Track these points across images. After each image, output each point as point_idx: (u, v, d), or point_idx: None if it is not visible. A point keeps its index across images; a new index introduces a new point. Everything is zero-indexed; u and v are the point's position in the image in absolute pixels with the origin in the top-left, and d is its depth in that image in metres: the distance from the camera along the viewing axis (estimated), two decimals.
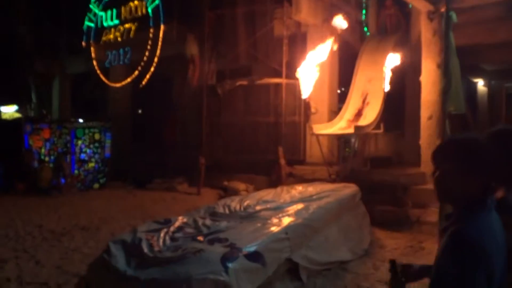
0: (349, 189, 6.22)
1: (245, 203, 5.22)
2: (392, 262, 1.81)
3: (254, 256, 3.64)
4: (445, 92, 4.59)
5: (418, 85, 9.14)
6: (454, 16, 4.99)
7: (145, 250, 3.83)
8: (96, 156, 12.15)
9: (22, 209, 8.63)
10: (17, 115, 18.08)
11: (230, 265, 3.42)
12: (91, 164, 12.08)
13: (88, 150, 12.12)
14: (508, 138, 1.86)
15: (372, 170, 8.57)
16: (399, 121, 10.63)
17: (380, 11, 11.08)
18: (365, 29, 11.71)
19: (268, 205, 5.12)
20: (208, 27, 11.21)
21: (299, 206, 5.04)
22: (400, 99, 10.53)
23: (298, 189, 6.12)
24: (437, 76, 8.24)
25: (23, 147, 11.64)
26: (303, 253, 4.39)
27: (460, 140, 1.56)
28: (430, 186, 7.85)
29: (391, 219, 7.01)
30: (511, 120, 15.90)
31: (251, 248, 3.69)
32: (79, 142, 12.05)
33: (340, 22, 8.23)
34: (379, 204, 7.30)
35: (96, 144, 12.18)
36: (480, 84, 16.49)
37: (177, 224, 4.42)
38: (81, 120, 12.73)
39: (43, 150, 11.87)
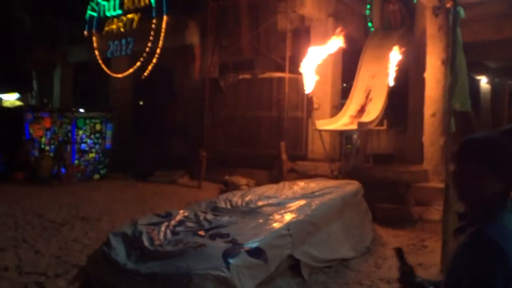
0: (351, 185, 6.18)
1: (247, 198, 5.19)
2: (398, 250, 1.82)
3: (256, 253, 3.61)
4: (451, 89, 4.52)
5: (421, 81, 9.07)
6: (462, 11, 4.90)
7: (146, 243, 3.80)
8: (97, 146, 12.10)
9: (22, 198, 8.58)
10: (19, 103, 18.02)
11: (231, 261, 3.39)
12: (92, 155, 12.03)
13: (88, 141, 12.06)
14: None
15: (374, 166, 8.53)
16: (401, 117, 10.57)
17: (384, 6, 10.98)
18: (369, 24, 11.62)
19: (270, 201, 5.08)
20: (211, 19, 11.11)
21: (301, 202, 5.00)
22: (403, 95, 10.46)
23: (300, 185, 6.08)
24: (441, 72, 8.17)
25: (23, 136, 11.60)
26: (305, 250, 4.36)
27: (483, 139, 1.52)
28: (433, 183, 7.83)
29: (393, 217, 6.98)
30: None
31: (253, 244, 3.66)
32: (80, 132, 12.00)
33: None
34: (381, 202, 7.26)
35: (97, 135, 12.13)
36: (483, 81, 16.41)
37: (178, 217, 4.39)
38: (82, 110, 12.67)
39: (43, 139, 11.82)
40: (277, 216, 4.48)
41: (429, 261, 5.09)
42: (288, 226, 4.24)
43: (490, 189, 1.43)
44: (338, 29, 8.23)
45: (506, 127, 1.60)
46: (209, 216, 4.47)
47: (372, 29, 11.33)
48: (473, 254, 1.33)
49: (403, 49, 8.62)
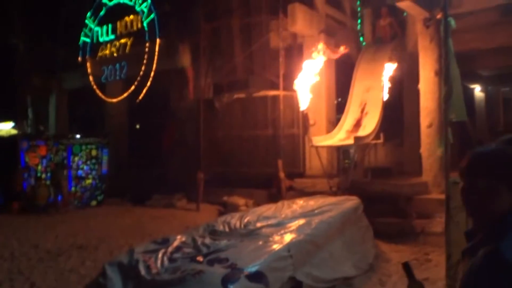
0: (351, 201, 6.10)
1: (246, 220, 5.10)
2: (406, 265, 1.74)
3: (256, 277, 3.51)
4: (447, 100, 4.48)
5: (416, 93, 9.08)
6: (452, 22, 4.90)
7: (142, 272, 3.70)
8: (93, 172, 11.99)
9: (18, 228, 8.45)
10: (14, 131, 17.95)
11: (231, 287, 3.29)
12: (88, 181, 11.92)
13: (85, 167, 11.97)
14: None
15: (373, 181, 8.45)
16: (397, 130, 10.55)
17: (376, 21, 11.07)
18: (361, 38, 11.70)
19: (269, 222, 4.99)
20: (204, 40, 11.15)
21: (301, 221, 4.92)
22: (398, 108, 10.47)
23: (299, 203, 6.00)
24: (435, 83, 8.18)
25: (19, 165, 11.51)
26: (306, 270, 4.26)
27: (491, 152, 1.46)
28: (433, 195, 7.75)
29: (395, 231, 6.88)
30: (509, 125, 15.86)
31: (253, 268, 3.57)
32: (76, 158, 11.91)
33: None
34: (382, 216, 7.17)
35: (93, 161, 12.03)
36: (477, 90, 16.48)
37: (175, 243, 4.29)
38: (78, 136, 12.61)
39: (39, 167, 11.73)
40: (276, 237, 4.39)
41: (434, 276, 4.98)
42: (289, 247, 4.14)
43: (503, 203, 1.36)
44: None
45: (508, 136, 1.54)
46: (207, 241, 4.37)
47: (364, 43, 11.41)
48: (491, 277, 1.25)
49: (396, 62, 8.66)
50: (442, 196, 7.03)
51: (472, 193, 1.42)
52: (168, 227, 8.29)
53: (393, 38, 10.45)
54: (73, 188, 11.64)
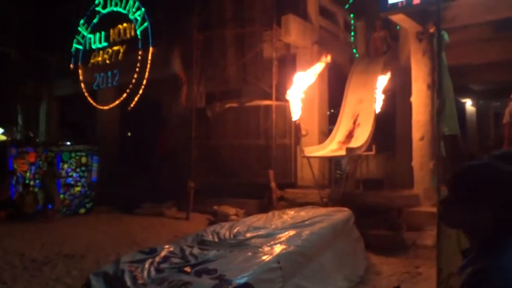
0: (342, 213, 6.04)
1: (235, 230, 5.01)
2: None
3: None
4: (440, 113, 4.48)
5: (408, 106, 9.10)
6: (446, 35, 4.95)
7: (128, 283, 3.60)
8: (83, 180, 11.86)
9: (4, 236, 8.29)
10: (3, 137, 17.75)
11: None
12: (77, 189, 11.78)
13: (74, 174, 11.83)
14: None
15: (365, 192, 8.41)
16: (389, 142, 10.55)
17: (369, 33, 11.15)
18: (354, 50, 11.76)
19: (259, 232, 4.90)
20: (197, 49, 11.13)
21: (291, 232, 4.84)
22: (390, 120, 10.48)
23: (290, 214, 5.93)
24: (427, 96, 8.21)
25: (6, 172, 11.35)
26: (296, 282, 4.18)
27: (472, 167, 1.42)
28: (424, 208, 7.73)
29: (386, 244, 6.82)
30: (500, 139, 15.98)
31: (242, 280, 3.48)
32: (65, 165, 11.78)
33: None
34: (373, 228, 7.12)
35: (83, 168, 11.91)
36: (469, 104, 16.62)
37: (163, 253, 4.19)
38: (68, 143, 12.48)
39: (28, 174, 11.58)
40: (266, 248, 4.31)
41: None
42: (278, 258, 4.06)
43: (483, 221, 1.33)
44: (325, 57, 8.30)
45: (499, 152, 1.51)
46: (196, 251, 4.28)
47: (357, 55, 11.47)
48: None
49: (388, 74, 8.69)
50: (433, 209, 7.04)
51: (451, 208, 1.40)
52: (157, 236, 8.18)
53: (386, 50, 10.51)
54: (61, 196, 11.48)
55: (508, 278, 1.22)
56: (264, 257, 4.02)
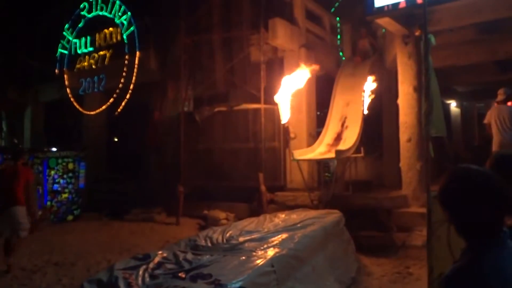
0: (333, 215, 6.09)
1: (228, 234, 5.02)
2: None
3: None
4: (427, 115, 4.55)
5: (394, 108, 9.22)
6: (433, 38, 5.02)
7: None
8: (70, 186, 11.71)
9: None
10: None
11: None
12: (65, 195, 11.62)
13: (61, 181, 11.68)
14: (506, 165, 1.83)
15: (354, 194, 8.50)
16: (377, 144, 10.68)
17: (355, 37, 11.28)
18: (341, 53, 11.88)
19: (252, 236, 4.92)
20: (184, 53, 11.12)
21: (284, 235, 4.87)
22: (377, 122, 10.61)
23: (281, 217, 5.96)
24: (414, 99, 8.33)
25: None
26: (290, 285, 4.20)
27: (466, 172, 1.49)
28: (413, 209, 7.83)
29: (376, 245, 6.90)
30: (484, 139, 16.26)
31: (237, 284, 3.49)
32: (52, 172, 11.62)
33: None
34: (363, 229, 7.20)
35: (70, 174, 11.76)
36: (453, 105, 16.88)
37: (156, 259, 4.18)
38: (54, 149, 12.33)
39: None
40: (260, 252, 4.33)
41: None
42: (272, 261, 4.08)
43: (477, 222, 1.42)
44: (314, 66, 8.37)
45: (499, 154, 1.57)
46: (189, 256, 4.28)
47: (344, 58, 11.58)
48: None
49: (375, 77, 8.79)
50: (422, 210, 7.14)
51: (450, 216, 1.53)
52: (148, 242, 8.14)
53: (373, 52, 10.64)
54: (48, 203, 11.33)
55: (485, 276, 1.30)
56: (258, 261, 4.04)
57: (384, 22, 8.21)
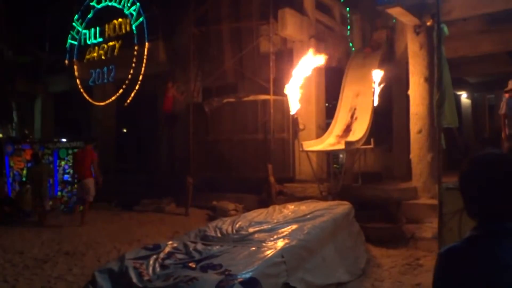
0: (342, 206, 6.08)
1: (237, 225, 5.04)
2: None
3: (250, 283, 3.44)
4: (439, 106, 4.51)
5: (404, 99, 9.14)
6: (445, 28, 4.95)
7: (134, 279, 3.60)
8: None
9: (3, 234, 8.26)
10: None
11: None
12: (75, 185, 11.71)
13: (71, 171, 11.77)
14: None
15: (364, 186, 8.46)
16: (386, 135, 10.61)
17: (373, 32, 11.14)
18: (350, 44, 11.77)
19: (262, 227, 4.93)
20: (193, 44, 11.09)
21: (294, 226, 4.87)
22: (387, 113, 10.53)
23: (291, 208, 5.96)
24: (425, 90, 8.24)
25: (3, 169, 11.29)
26: (300, 276, 4.20)
27: (491, 157, 1.47)
28: (423, 200, 7.79)
29: (385, 236, 6.88)
30: (495, 131, 16.10)
31: (247, 275, 3.50)
32: (62, 163, 11.72)
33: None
34: (373, 221, 7.18)
35: None
36: (464, 96, 16.70)
37: (167, 249, 4.20)
38: (64, 140, 12.41)
39: (24, 172, 11.51)
40: (269, 243, 4.33)
41: (427, 280, 4.96)
42: (282, 252, 4.09)
43: (470, 208, 1.44)
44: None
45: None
46: (199, 246, 4.30)
47: (353, 49, 11.48)
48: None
49: (385, 67, 8.71)
50: (432, 201, 7.11)
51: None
52: (157, 232, 8.19)
53: (383, 43, 10.53)
54: (59, 193, 11.44)
55: (471, 260, 1.31)
56: (267, 252, 4.04)
57: (396, 12, 8.10)
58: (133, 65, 12.21)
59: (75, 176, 10.01)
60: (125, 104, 12.54)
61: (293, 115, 8.40)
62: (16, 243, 7.60)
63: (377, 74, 8.51)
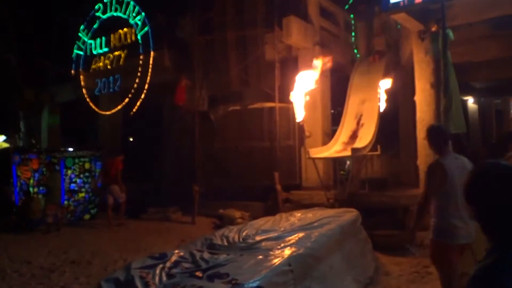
0: (349, 214, 6.03)
1: (244, 234, 5.00)
2: None
3: None
4: (446, 111, 4.48)
5: (411, 105, 9.10)
6: (451, 33, 4.93)
7: None
8: (87, 186, 11.83)
9: (9, 244, 8.28)
10: (6, 145, 17.76)
11: None
12: (81, 194, 11.75)
13: (78, 180, 11.81)
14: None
15: (371, 192, 8.40)
16: (393, 141, 10.56)
17: (371, 40, 11.11)
18: (355, 51, 11.76)
19: (268, 235, 4.89)
20: (198, 53, 11.12)
21: (300, 234, 4.82)
22: (393, 119, 10.49)
23: (297, 216, 5.92)
24: (431, 95, 8.19)
25: (11, 179, 11.33)
26: (307, 284, 4.16)
27: (498, 168, 1.44)
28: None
29: (393, 243, 6.80)
30: (502, 136, 15.97)
31: (254, 284, 3.46)
32: (69, 172, 11.75)
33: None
34: (380, 228, 7.11)
35: (86, 174, 11.88)
36: (470, 101, 16.61)
37: (173, 258, 4.17)
38: (71, 149, 12.46)
39: (31, 181, 11.56)
40: (276, 251, 4.29)
41: None
42: (289, 261, 4.05)
43: (499, 216, 1.39)
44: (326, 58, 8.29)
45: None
46: (206, 255, 4.27)
47: (358, 56, 11.46)
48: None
49: (390, 74, 8.68)
50: None
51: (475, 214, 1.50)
52: (164, 241, 8.17)
53: (387, 49, 10.50)
54: (66, 202, 11.46)
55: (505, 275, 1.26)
56: (275, 260, 4.00)
57: (400, 17, 8.09)
58: (139, 74, 12.27)
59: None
60: (131, 113, 12.59)
61: (299, 122, 8.39)
62: (23, 252, 7.61)
63: (383, 80, 8.50)
